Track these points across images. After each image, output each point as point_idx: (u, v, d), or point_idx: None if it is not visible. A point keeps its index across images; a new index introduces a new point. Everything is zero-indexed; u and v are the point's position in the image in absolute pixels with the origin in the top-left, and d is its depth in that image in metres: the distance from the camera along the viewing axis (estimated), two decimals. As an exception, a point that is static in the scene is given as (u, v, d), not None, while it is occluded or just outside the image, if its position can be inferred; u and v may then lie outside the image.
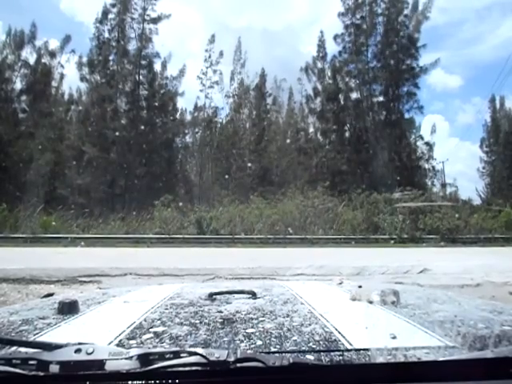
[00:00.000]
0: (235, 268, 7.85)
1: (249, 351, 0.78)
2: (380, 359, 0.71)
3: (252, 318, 1.01)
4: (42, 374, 0.67)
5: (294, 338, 0.86)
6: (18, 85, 29.29)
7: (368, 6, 30.82)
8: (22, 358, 0.70)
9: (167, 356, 0.68)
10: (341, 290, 1.53)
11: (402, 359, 0.70)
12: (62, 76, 30.71)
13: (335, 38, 31.25)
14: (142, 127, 29.97)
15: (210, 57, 32.11)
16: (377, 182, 24.64)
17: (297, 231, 19.35)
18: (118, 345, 0.83)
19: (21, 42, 29.31)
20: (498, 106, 34.78)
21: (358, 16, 30.95)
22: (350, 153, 29.62)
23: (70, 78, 32.21)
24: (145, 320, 1.03)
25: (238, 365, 0.66)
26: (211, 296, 1.27)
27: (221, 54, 32.25)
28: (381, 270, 7.74)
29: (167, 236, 18.41)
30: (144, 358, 0.68)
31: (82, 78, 30.36)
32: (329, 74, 31.71)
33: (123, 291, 1.61)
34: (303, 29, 53.09)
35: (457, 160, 52.69)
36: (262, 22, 50.53)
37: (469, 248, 15.72)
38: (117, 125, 29.05)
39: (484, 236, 19.18)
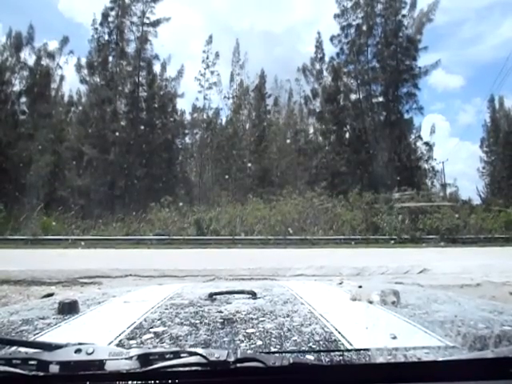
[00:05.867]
0: (235, 269, 7.86)
1: (249, 351, 0.78)
2: (380, 359, 0.71)
3: (252, 318, 1.01)
4: (42, 374, 0.67)
5: (294, 338, 0.86)
6: (18, 86, 29.38)
7: (365, 7, 30.84)
8: (22, 358, 0.70)
9: (167, 356, 0.68)
10: (341, 290, 1.53)
11: (402, 359, 0.70)
12: (61, 78, 30.79)
13: (331, 39, 31.42)
14: (142, 128, 29.99)
15: (207, 58, 32.21)
16: (376, 183, 24.64)
17: (297, 232, 19.36)
18: (118, 345, 0.83)
19: (20, 43, 29.30)
20: (497, 106, 34.86)
21: (354, 17, 31.04)
22: (349, 153, 29.62)
23: (70, 80, 32.32)
24: (145, 320, 1.03)
25: (238, 365, 0.66)
26: (211, 296, 1.27)
27: (217, 55, 32.36)
28: (381, 271, 7.75)
29: (167, 237, 18.41)
30: (144, 358, 0.67)
31: (82, 80, 30.46)
32: (327, 74, 31.79)
33: (123, 291, 1.60)
34: (304, 29, 53.34)
35: (457, 160, 52.75)
36: (262, 23, 50.76)
37: (468, 248, 15.72)
38: (116, 126, 29.05)
39: (484, 236, 19.21)
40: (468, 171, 55.49)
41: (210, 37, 32.66)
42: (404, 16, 30.59)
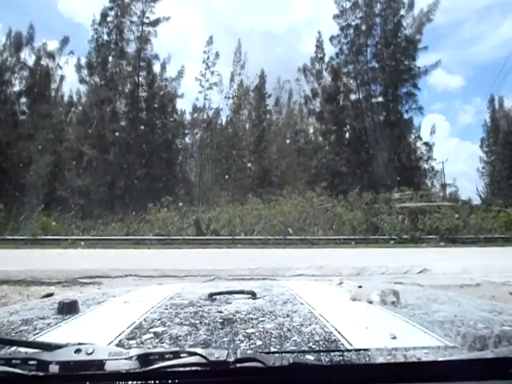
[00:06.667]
0: (235, 269, 7.87)
1: (249, 351, 0.77)
2: (380, 359, 0.71)
3: (252, 318, 1.01)
4: (41, 374, 0.67)
5: (294, 338, 0.86)
6: (18, 87, 29.36)
7: (364, 7, 30.82)
8: (22, 358, 0.70)
9: (167, 356, 0.68)
10: (341, 290, 1.53)
11: (402, 359, 0.70)
12: (61, 78, 30.75)
13: (331, 39, 31.39)
14: (142, 128, 29.96)
15: (208, 58, 32.23)
16: (376, 183, 24.64)
17: (296, 232, 19.35)
18: (117, 345, 0.83)
19: (20, 43, 29.29)
20: (497, 106, 34.84)
21: (353, 17, 31.01)
22: (349, 153, 29.61)
23: (70, 80, 32.30)
24: (145, 320, 1.03)
25: (238, 365, 0.66)
26: (211, 296, 1.27)
27: (217, 55, 32.34)
28: (381, 271, 7.76)
29: (167, 237, 18.41)
30: (144, 358, 0.67)
31: (81, 80, 30.47)
32: (327, 74, 31.80)
33: (123, 291, 1.60)
34: (304, 29, 53.42)
35: (457, 160, 52.82)
36: (262, 23, 50.80)
37: (468, 248, 15.72)
38: (116, 126, 29.03)
39: (483, 236, 19.20)
40: (468, 171, 55.58)
41: (211, 37, 32.73)
42: (403, 16, 30.59)
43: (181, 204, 21.93)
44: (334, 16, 30.94)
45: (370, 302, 1.16)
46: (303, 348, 0.79)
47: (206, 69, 32.13)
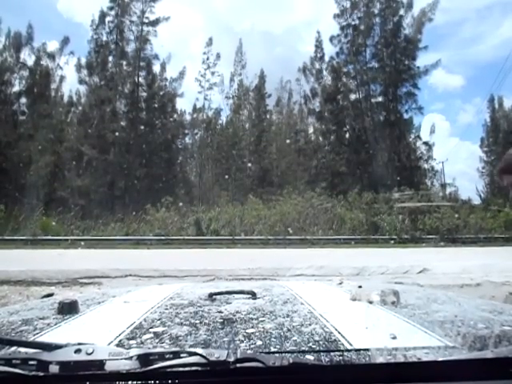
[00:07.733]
0: (235, 269, 7.87)
1: (249, 351, 0.77)
2: (380, 359, 0.71)
3: (252, 318, 1.01)
4: (41, 374, 0.67)
5: (294, 338, 0.86)
6: (18, 87, 29.35)
7: (364, 7, 30.81)
8: (22, 358, 0.70)
9: (167, 356, 0.68)
10: (341, 290, 1.53)
11: (402, 359, 0.70)
12: (61, 78, 30.75)
13: (331, 39, 31.37)
14: (142, 128, 29.97)
15: (208, 59, 32.21)
16: (376, 183, 24.64)
17: (296, 232, 19.35)
18: (117, 345, 0.83)
19: (19, 43, 29.28)
20: (496, 105, 34.84)
21: (354, 17, 30.98)
22: (349, 153, 29.62)
23: (70, 80, 32.30)
24: (145, 320, 1.03)
25: (238, 365, 0.66)
26: (211, 296, 1.27)
27: (218, 56, 32.34)
28: (381, 270, 7.76)
29: (167, 237, 18.41)
30: (144, 358, 0.67)
31: (81, 80, 30.48)
32: (327, 74, 31.80)
33: (123, 291, 1.60)
34: (304, 29, 53.44)
35: (457, 160, 52.94)
36: (262, 23, 50.77)
37: (468, 248, 15.72)
38: (116, 126, 29.03)
39: (483, 236, 19.20)
40: (468, 171, 55.55)
41: (210, 39, 32.73)
42: (402, 16, 30.57)
43: (181, 204, 21.92)
44: (334, 15, 30.99)
45: (370, 302, 1.16)
46: (303, 348, 0.79)
47: (206, 69, 32.17)
